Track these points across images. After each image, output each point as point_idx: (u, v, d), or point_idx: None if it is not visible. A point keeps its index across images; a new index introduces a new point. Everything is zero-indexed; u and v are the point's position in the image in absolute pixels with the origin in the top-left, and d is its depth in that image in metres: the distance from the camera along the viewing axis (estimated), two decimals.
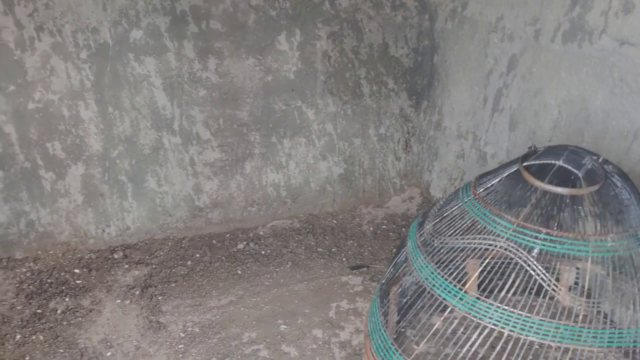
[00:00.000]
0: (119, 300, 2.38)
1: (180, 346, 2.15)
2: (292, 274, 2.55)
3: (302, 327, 2.23)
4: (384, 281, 1.75)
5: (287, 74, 2.68)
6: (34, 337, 2.17)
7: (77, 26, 2.30)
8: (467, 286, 1.45)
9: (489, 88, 2.49)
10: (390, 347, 1.56)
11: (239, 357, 2.09)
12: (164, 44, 2.44)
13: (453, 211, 1.57)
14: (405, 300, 1.67)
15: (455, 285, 1.44)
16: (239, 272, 2.56)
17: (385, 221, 2.98)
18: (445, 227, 1.56)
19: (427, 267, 1.52)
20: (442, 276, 1.46)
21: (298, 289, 2.44)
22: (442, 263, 1.53)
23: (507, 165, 1.57)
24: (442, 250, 1.54)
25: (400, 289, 1.78)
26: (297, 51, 2.66)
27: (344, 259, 2.66)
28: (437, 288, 1.46)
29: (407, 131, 3.04)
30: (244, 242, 2.77)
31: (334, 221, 2.97)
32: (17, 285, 2.44)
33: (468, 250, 1.50)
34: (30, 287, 2.43)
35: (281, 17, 2.58)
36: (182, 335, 2.20)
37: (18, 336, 2.17)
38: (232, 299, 2.39)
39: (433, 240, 1.57)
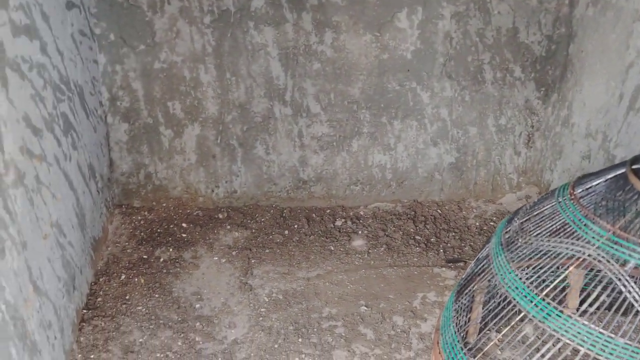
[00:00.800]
0: (217, 258, 2.50)
1: (262, 310, 2.20)
2: (384, 257, 2.50)
3: (383, 312, 2.18)
4: (463, 277, 1.65)
5: (404, 53, 2.59)
6: (136, 280, 2.35)
7: None
8: (568, 298, 1.31)
9: (627, 83, 2.22)
10: (456, 345, 1.46)
11: (315, 329, 2.10)
12: (283, 15, 2.48)
13: (544, 210, 1.43)
14: (486, 300, 1.56)
15: (532, 291, 1.31)
16: (332, 248, 2.56)
17: (495, 218, 2.81)
18: (533, 226, 1.43)
19: (505, 267, 1.40)
20: (520, 279, 1.34)
21: (387, 273, 2.39)
22: (521, 263, 1.40)
23: (614, 167, 1.39)
24: (524, 251, 1.41)
25: (480, 288, 1.66)
26: (417, 30, 2.56)
27: (441, 251, 2.55)
28: (513, 290, 1.34)
29: (531, 125, 2.82)
30: (342, 220, 2.76)
31: (439, 211, 2.85)
32: (131, 230, 2.65)
33: (552, 254, 1.35)
34: (142, 234, 2.63)
35: None
36: (267, 299, 2.26)
37: (123, 276, 2.36)
38: (320, 273, 2.40)
39: (517, 239, 1.44)
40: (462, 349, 1.43)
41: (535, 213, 1.45)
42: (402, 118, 2.73)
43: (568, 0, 2.54)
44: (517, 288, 1.33)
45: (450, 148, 2.82)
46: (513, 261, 1.39)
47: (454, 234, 2.68)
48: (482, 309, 1.58)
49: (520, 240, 1.42)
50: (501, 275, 1.39)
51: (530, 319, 1.30)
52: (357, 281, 2.35)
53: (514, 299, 1.32)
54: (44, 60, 1.75)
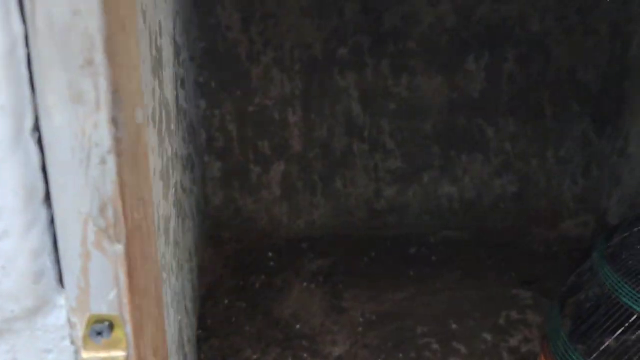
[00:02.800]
0: (305, 284, 2.71)
1: (360, 329, 2.40)
2: (462, 281, 2.70)
3: (472, 329, 2.37)
4: (564, 288, 1.85)
5: (472, 92, 2.85)
6: (237, 304, 2.56)
7: (295, 43, 2.69)
8: None
9: None
10: (569, 347, 1.66)
11: (412, 346, 2.29)
12: (365, 61, 2.75)
13: None
14: (589, 310, 1.76)
15: None
16: (412, 273, 2.77)
17: (558, 243, 3.01)
18: (637, 241, 1.64)
19: (613, 276, 1.60)
20: (630, 285, 1.54)
21: (468, 295, 2.59)
22: (630, 274, 1.61)
23: None
24: (630, 263, 1.62)
25: (584, 299, 1.86)
26: (484, 72, 2.82)
27: (514, 274, 2.75)
28: (624, 296, 1.55)
29: (588, 155, 3.05)
30: (416, 247, 2.97)
31: (505, 238, 3.06)
32: (224, 260, 2.87)
33: None
34: (234, 263, 2.85)
35: (472, 39, 2.77)
36: (361, 320, 2.46)
37: (226, 301, 2.57)
38: (406, 295, 2.60)
39: (622, 252, 1.65)
40: (576, 350, 1.62)
41: (635, 230, 1.66)
42: (469, 152, 2.97)
43: (621, 42, 2.80)
44: (628, 293, 1.53)
45: (514, 179, 3.05)
46: (619, 272, 1.60)
47: (522, 258, 2.88)
48: (589, 318, 1.78)
49: (624, 253, 1.63)
50: (609, 284, 1.59)
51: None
52: (443, 302, 2.54)
53: (626, 304, 1.52)
54: (186, 108, 2.01)
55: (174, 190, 1.44)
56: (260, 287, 2.67)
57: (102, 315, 0.60)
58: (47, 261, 0.53)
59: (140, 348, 0.66)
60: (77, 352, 0.58)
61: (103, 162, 0.51)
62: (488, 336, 2.33)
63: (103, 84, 0.48)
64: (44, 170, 0.49)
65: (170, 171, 1.27)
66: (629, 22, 2.77)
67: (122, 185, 0.55)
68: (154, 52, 1.04)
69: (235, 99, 2.76)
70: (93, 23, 0.48)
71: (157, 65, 1.08)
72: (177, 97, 1.61)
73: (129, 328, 0.62)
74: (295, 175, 2.93)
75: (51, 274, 0.53)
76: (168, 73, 1.28)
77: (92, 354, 0.60)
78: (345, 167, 2.94)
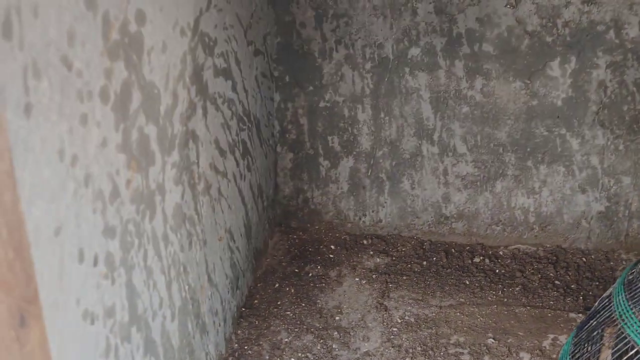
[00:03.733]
0: (358, 279, 2.74)
1: (394, 329, 2.39)
2: (519, 297, 2.55)
3: (510, 346, 2.25)
4: (588, 314, 1.71)
5: (554, 100, 2.67)
6: (287, 289, 2.67)
7: (366, 41, 2.73)
8: None
9: None
10: None
11: (442, 353, 2.24)
12: (437, 62, 2.71)
13: None
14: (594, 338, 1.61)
15: None
16: (467, 282, 2.67)
17: None
18: None
19: (623, 304, 1.46)
20: (634, 313, 1.40)
21: (519, 312, 2.45)
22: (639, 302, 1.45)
23: None
24: None
25: (609, 334, 1.70)
26: (570, 78, 2.63)
27: (581, 298, 2.54)
28: (629, 327, 1.41)
29: None
30: (481, 257, 2.86)
31: (583, 259, 2.82)
32: (287, 247, 3.01)
33: None
34: (296, 250, 2.97)
35: (557, 43, 2.59)
36: (399, 320, 2.44)
37: (277, 284, 2.70)
38: (452, 303, 2.53)
39: (639, 280, 1.49)
40: None
41: None
42: (549, 163, 2.78)
43: None
44: (633, 325, 1.38)
45: (600, 196, 2.79)
46: (632, 300, 1.44)
47: (597, 283, 2.64)
48: (593, 345, 1.63)
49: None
50: (619, 311, 1.45)
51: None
52: (488, 315, 2.44)
53: (629, 335, 1.38)
54: (232, 96, 2.16)
55: (174, 168, 1.58)
56: (314, 276, 2.76)
57: None
58: None
59: None
60: None
61: None
62: (526, 356, 2.19)
63: None
64: None
65: (156, 147, 1.41)
66: None
67: None
68: (116, 35, 1.18)
69: (308, 94, 2.87)
70: None
71: (123, 49, 1.22)
72: (198, 84, 1.75)
73: None
74: (363, 171, 2.98)
75: None
76: (162, 59, 1.42)
77: None
78: (414, 168, 2.92)
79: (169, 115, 1.52)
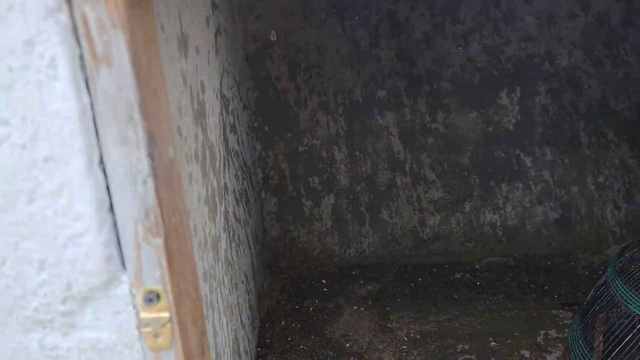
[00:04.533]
0: (355, 307, 2.92)
1: (404, 347, 2.59)
2: (504, 303, 2.83)
3: (511, 347, 2.50)
4: (586, 302, 1.99)
5: (506, 125, 3.04)
6: (293, 325, 2.81)
7: (337, 88, 2.99)
8: None
9: None
10: (586, 355, 1.80)
11: None
12: (402, 101, 3.01)
13: None
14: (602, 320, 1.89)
15: None
16: (455, 296, 2.93)
17: (602, 267, 3.08)
18: None
19: (622, 288, 1.75)
20: (636, 294, 1.68)
21: (509, 316, 2.72)
22: (636, 284, 1.75)
23: None
24: (638, 275, 1.75)
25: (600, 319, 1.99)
26: (517, 105, 3.01)
27: (556, 297, 2.85)
28: (631, 304, 1.69)
29: (629, 181, 3.13)
30: (461, 273, 3.13)
31: (549, 262, 3.16)
32: (281, 286, 3.15)
33: None
34: (290, 289, 3.12)
35: (503, 76, 2.97)
36: (406, 339, 2.64)
37: (283, 322, 2.83)
38: (449, 317, 2.76)
39: (630, 266, 1.79)
40: (592, 358, 1.76)
41: None
42: (509, 181, 3.13)
43: None
44: (635, 302, 1.67)
45: (555, 205, 3.17)
46: (628, 283, 1.74)
47: (565, 282, 2.98)
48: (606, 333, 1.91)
49: (632, 266, 1.77)
50: (619, 295, 1.73)
51: None
52: (484, 322, 2.69)
53: (634, 311, 1.66)
54: (238, 149, 2.34)
55: (223, 217, 1.73)
56: (314, 310, 2.92)
57: (152, 288, 0.87)
58: (114, 250, 0.81)
59: (181, 314, 0.93)
60: (137, 314, 0.86)
61: (144, 182, 0.79)
62: (526, 353, 2.45)
63: (140, 132, 0.76)
64: (108, 189, 0.78)
65: (217, 200, 1.57)
66: None
67: (159, 198, 0.83)
68: (196, 105, 1.35)
69: (287, 141, 3.08)
70: (131, 94, 0.77)
71: (200, 116, 1.39)
72: (225, 140, 1.93)
73: (171, 298, 0.90)
74: (344, 207, 3.20)
75: (117, 259, 0.81)
76: (213, 121, 1.59)
77: (147, 314, 0.88)
78: (390, 198, 3.17)
79: (220, 170, 1.68)
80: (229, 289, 1.82)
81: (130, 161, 0.79)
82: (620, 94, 2.97)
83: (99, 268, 0.81)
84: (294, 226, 3.23)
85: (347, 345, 2.65)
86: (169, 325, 0.85)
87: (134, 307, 0.85)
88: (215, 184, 1.54)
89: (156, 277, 0.83)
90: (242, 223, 2.34)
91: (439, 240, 3.24)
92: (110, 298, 0.83)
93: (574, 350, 1.85)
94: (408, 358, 2.51)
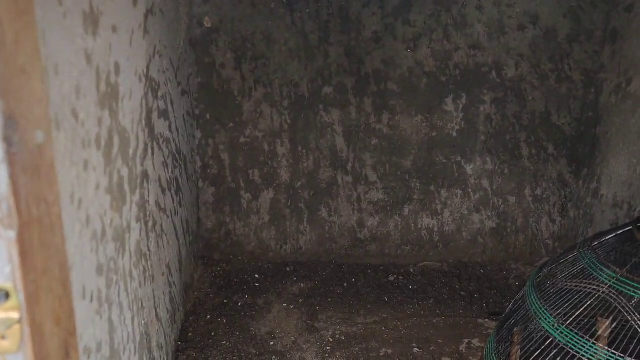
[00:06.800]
0: (285, 305, 2.88)
1: (328, 348, 2.56)
2: (433, 309, 2.83)
3: (433, 353, 2.50)
4: (504, 314, 1.99)
5: (450, 131, 3.03)
6: (219, 320, 2.74)
7: (284, 81, 2.93)
8: (598, 341, 1.63)
9: None
10: None
11: None
12: (348, 99, 2.97)
13: (568, 259, 1.79)
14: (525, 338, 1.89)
15: (557, 320, 1.65)
16: (386, 299, 2.92)
17: None
18: (559, 271, 1.78)
19: (536, 304, 1.75)
20: (547, 310, 1.69)
21: (435, 322, 2.72)
22: (549, 300, 1.75)
23: (623, 226, 1.75)
24: (551, 290, 1.76)
25: (518, 331, 1.99)
26: (462, 112, 3.01)
27: (484, 305, 2.87)
28: (542, 320, 1.69)
29: (565, 196, 3.17)
30: (395, 276, 3.12)
31: (482, 271, 3.19)
32: (212, 279, 3.07)
33: (573, 292, 1.70)
34: (221, 282, 3.05)
35: (450, 82, 2.96)
36: (331, 340, 2.61)
37: (208, 316, 2.76)
38: (376, 319, 2.75)
39: (546, 282, 1.79)
40: None
41: (561, 261, 1.80)
42: (448, 187, 3.13)
43: (594, 89, 2.96)
44: (545, 319, 1.67)
45: (492, 215, 3.19)
46: (543, 299, 1.74)
47: (495, 291, 3.00)
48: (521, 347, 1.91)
49: (548, 282, 1.77)
50: (534, 310, 1.74)
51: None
52: (410, 327, 2.68)
53: (544, 328, 1.66)
54: (169, 136, 2.25)
55: (137, 207, 1.66)
56: (243, 305, 2.86)
57: (0, 285, 0.80)
58: None
59: (35, 314, 0.86)
60: None
61: None
62: None
63: None
64: None
65: (127, 188, 1.49)
66: (600, 70, 2.93)
67: (15, 187, 0.76)
68: (104, 87, 1.27)
69: (228, 130, 3.00)
70: None
71: (109, 98, 1.31)
72: (149, 126, 1.85)
73: (22, 296, 0.83)
74: (283, 202, 3.14)
75: None
76: (130, 105, 1.51)
77: None
78: (330, 197, 3.14)
79: (134, 157, 1.59)
80: (140, 282, 1.74)
81: None
82: (563, 109, 3.00)
83: None
84: (231, 218, 3.16)
85: (272, 343, 2.60)
86: (17, 326, 0.77)
87: None
88: (125, 172, 1.46)
89: (5, 273, 0.76)
90: (168, 213, 2.26)
91: (376, 241, 3.22)
92: None
93: None
94: (331, 359, 2.48)
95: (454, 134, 3.04)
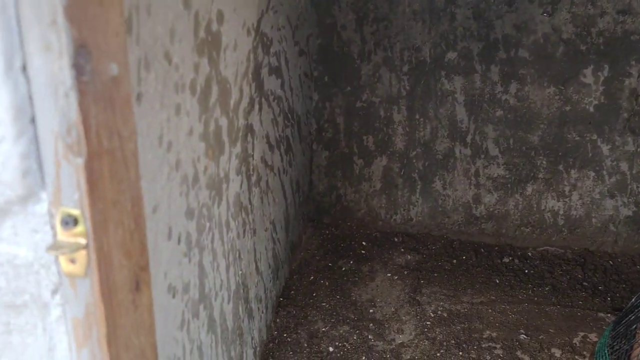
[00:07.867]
0: (390, 275, 2.83)
1: (428, 323, 2.47)
2: (548, 296, 2.62)
3: (542, 342, 2.32)
4: (625, 308, 1.78)
5: (586, 106, 2.74)
6: (322, 282, 2.76)
7: (405, 45, 2.82)
8: None
9: None
10: None
11: (475, 347, 2.32)
12: (473, 66, 2.79)
13: None
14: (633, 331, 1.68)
15: None
16: (497, 281, 2.75)
17: None
18: None
19: None
20: None
21: (549, 310, 2.52)
22: None
23: None
24: None
25: None
26: (602, 86, 2.70)
27: (609, 299, 2.60)
28: None
29: None
30: (510, 257, 2.93)
31: (610, 262, 2.89)
32: (320, 242, 3.10)
33: None
34: (328, 245, 3.06)
35: (591, 51, 2.67)
36: (432, 315, 2.52)
37: (312, 277, 2.79)
38: (484, 300, 2.60)
39: None
40: None
41: None
42: (580, 168, 2.85)
43: None
44: None
45: (628, 201, 2.86)
46: None
47: (624, 285, 2.71)
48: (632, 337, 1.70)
49: None
50: None
51: None
52: (519, 312, 2.51)
53: None
54: (281, 94, 2.26)
55: (237, 159, 1.68)
56: (347, 271, 2.85)
57: (69, 210, 0.83)
58: (33, 163, 0.77)
59: (102, 243, 0.89)
60: (54, 235, 0.82)
61: (66, 95, 0.73)
62: (557, 352, 2.27)
63: (64, 38, 0.70)
64: (31, 98, 0.74)
65: (226, 138, 1.51)
66: None
67: (84, 115, 0.78)
68: (203, 34, 1.28)
69: (345, 94, 2.96)
70: None
71: (208, 46, 1.32)
72: (258, 81, 1.85)
73: (89, 224, 0.85)
74: (396, 171, 3.06)
75: (36, 173, 0.77)
76: (234, 56, 1.52)
77: (63, 238, 0.84)
78: (446, 169, 3.00)
79: (236, 109, 1.61)
80: (238, 233, 1.78)
81: (52, 70, 0.74)
82: None
83: (15, 180, 0.77)
84: (342, 183, 3.14)
85: (371, 310, 2.57)
86: (84, 251, 0.80)
87: (52, 227, 0.81)
88: (224, 122, 1.48)
89: (74, 199, 0.79)
90: (275, 170, 2.28)
91: (493, 220, 3.04)
92: (29, 214, 0.80)
93: (598, 359, 1.67)
94: (429, 334, 2.40)
95: (591, 109, 2.74)
